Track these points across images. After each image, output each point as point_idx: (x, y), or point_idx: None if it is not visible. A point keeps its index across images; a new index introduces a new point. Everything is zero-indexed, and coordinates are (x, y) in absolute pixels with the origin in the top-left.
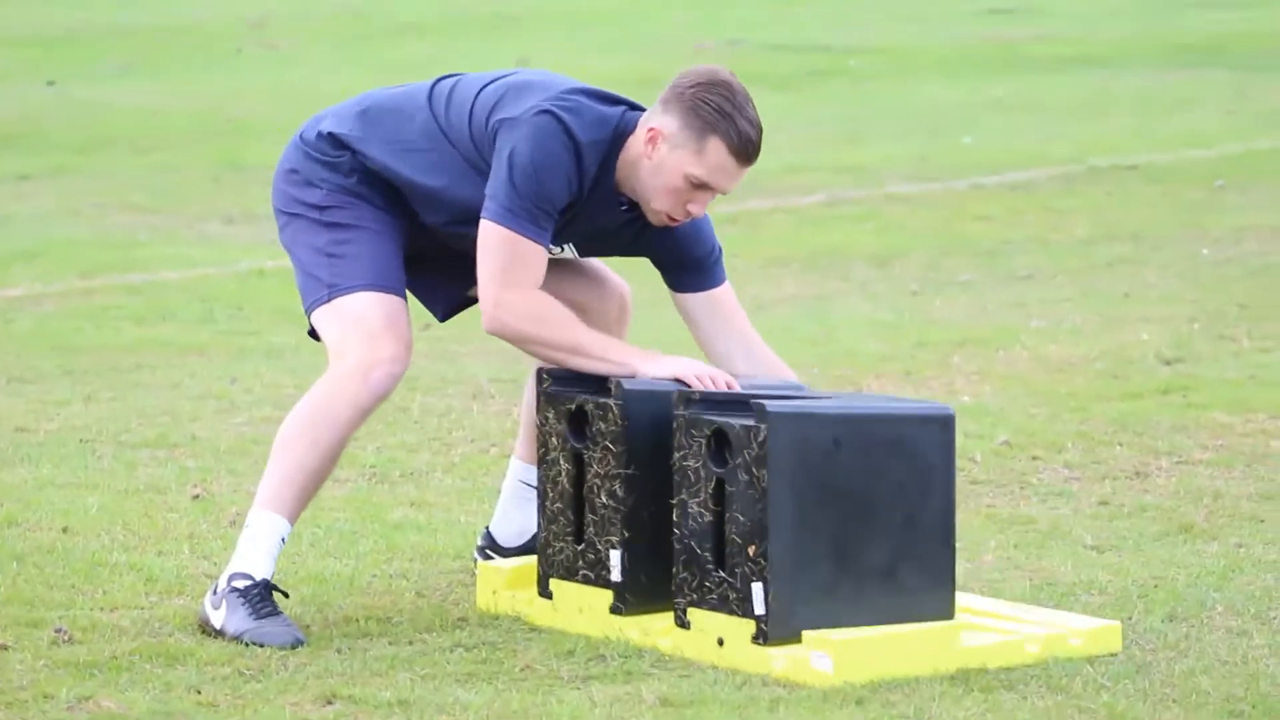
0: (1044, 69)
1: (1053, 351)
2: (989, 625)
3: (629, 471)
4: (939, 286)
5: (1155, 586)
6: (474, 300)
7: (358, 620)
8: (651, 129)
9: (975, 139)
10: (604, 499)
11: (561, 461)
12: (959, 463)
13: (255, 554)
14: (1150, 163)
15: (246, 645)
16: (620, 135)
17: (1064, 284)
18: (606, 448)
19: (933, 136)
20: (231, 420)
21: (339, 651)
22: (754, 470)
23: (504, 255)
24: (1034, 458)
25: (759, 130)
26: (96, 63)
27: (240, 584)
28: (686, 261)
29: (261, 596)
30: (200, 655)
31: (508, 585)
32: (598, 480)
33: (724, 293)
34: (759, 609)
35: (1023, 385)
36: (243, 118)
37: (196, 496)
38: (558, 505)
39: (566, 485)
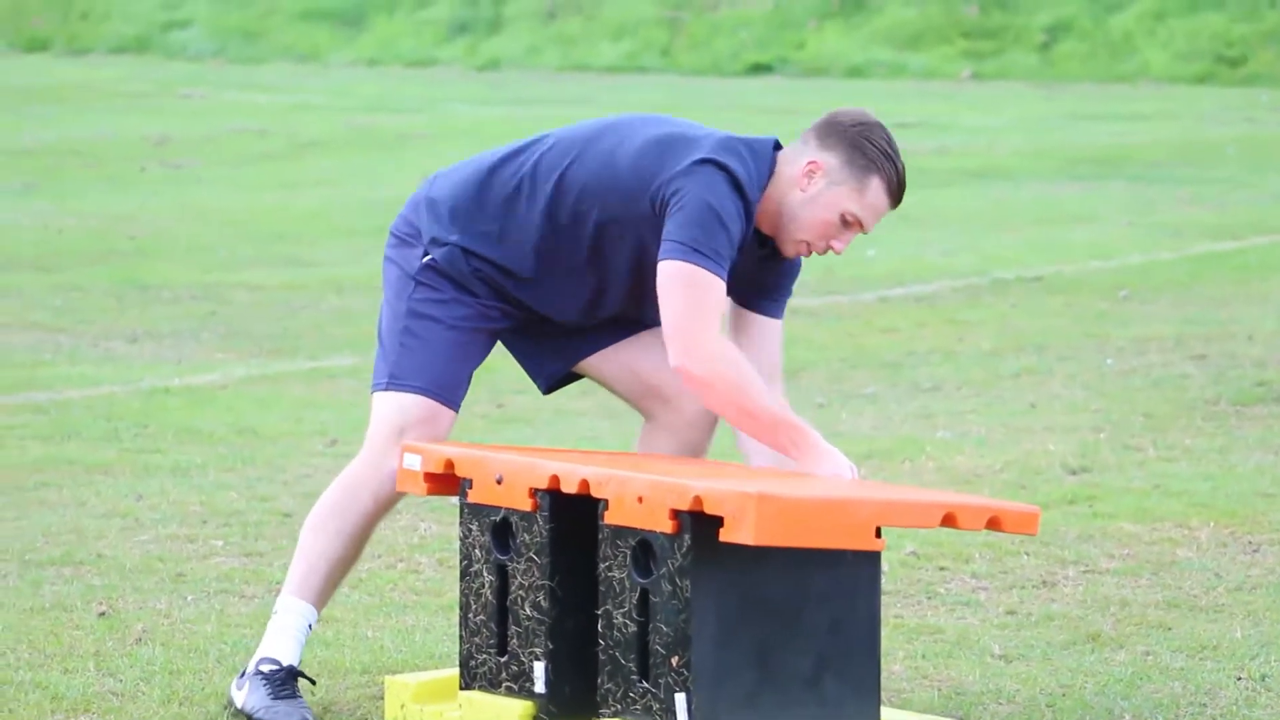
0: (946, 182)
1: (959, 462)
2: None
3: (553, 583)
4: (844, 399)
5: (1063, 695)
6: (577, 376)
7: None
8: (812, 162)
9: (879, 252)
10: (528, 611)
11: (485, 574)
12: None
13: (283, 640)
14: (1054, 274)
15: None
16: (767, 175)
17: (969, 395)
18: (531, 559)
19: None
20: (137, 538)
21: None
22: (677, 581)
23: (695, 293)
24: (941, 568)
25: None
26: None
27: (266, 668)
28: (772, 289)
29: (283, 681)
30: None
31: (415, 699)
32: (522, 592)
33: (780, 325)
34: (682, 719)
35: None
36: (145, 236)
37: (102, 614)
38: (480, 618)
39: (490, 597)
